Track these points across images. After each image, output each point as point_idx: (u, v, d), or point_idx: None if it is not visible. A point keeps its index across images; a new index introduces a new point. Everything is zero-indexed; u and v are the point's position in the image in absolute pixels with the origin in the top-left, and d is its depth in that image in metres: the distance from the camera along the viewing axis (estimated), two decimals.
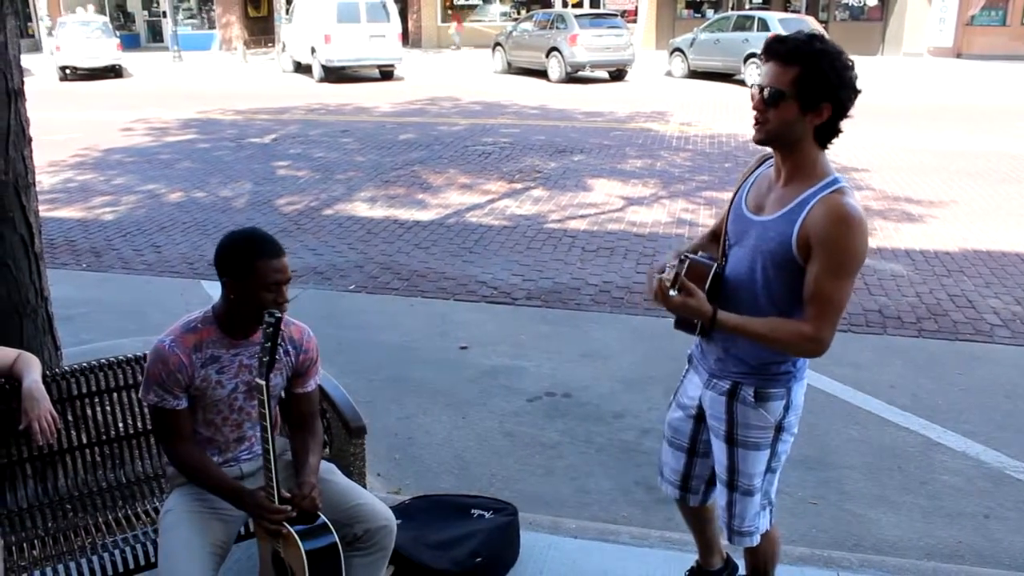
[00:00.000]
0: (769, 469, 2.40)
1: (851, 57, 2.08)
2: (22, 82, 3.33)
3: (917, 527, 3.57)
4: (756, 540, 2.49)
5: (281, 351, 2.51)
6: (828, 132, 2.10)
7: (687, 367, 2.56)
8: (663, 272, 2.26)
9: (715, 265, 2.27)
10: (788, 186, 2.16)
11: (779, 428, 2.33)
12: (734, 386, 2.32)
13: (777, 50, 2.07)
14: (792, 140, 2.11)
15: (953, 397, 4.69)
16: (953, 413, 4.49)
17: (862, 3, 28.01)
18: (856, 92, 2.07)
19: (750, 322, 2.18)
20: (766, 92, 2.08)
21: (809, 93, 2.04)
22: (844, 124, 2.13)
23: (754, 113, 2.13)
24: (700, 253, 2.37)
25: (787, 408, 2.31)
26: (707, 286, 2.22)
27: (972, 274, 6.64)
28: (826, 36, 2.13)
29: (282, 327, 2.51)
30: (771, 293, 2.19)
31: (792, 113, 2.06)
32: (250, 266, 2.35)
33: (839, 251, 2.06)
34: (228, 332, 2.45)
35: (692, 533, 2.86)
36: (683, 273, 2.19)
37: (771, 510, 2.52)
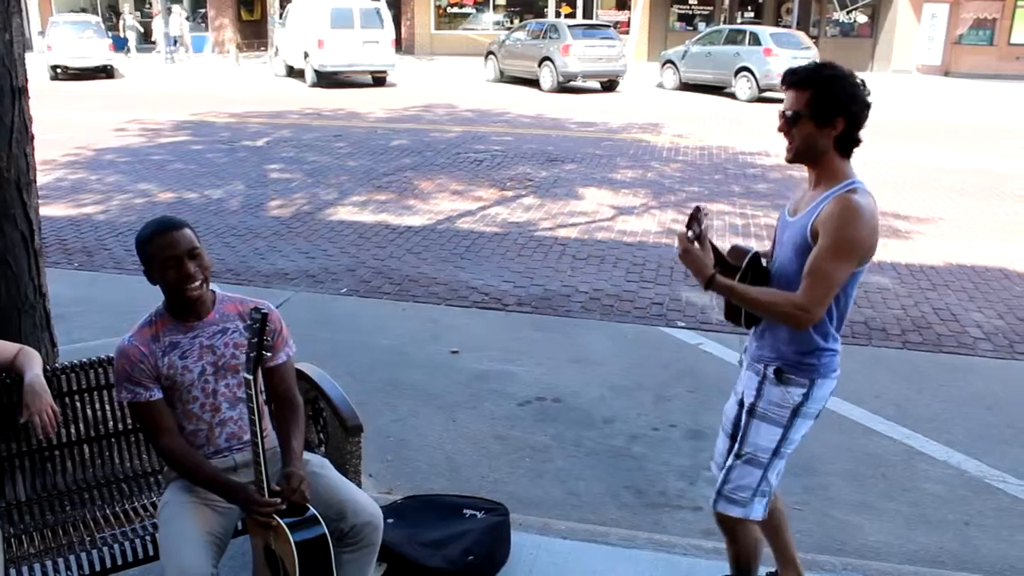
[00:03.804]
0: (776, 452, 2.55)
1: (859, 76, 2.38)
2: (26, 80, 3.37)
3: (899, 533, 3.65)
4: (739, 513, 2.61)
5: (242, 327, 2.57)
6: (848, 142, 2.39)
7: (744, 358, 2.76)
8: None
9: (753, 251, 2.55)
10: (815, 190, 2.46)
11: (795, 412, 2.52)
12: (765, 367, 2.55)
13: (792, 79, 2.40)
14: (816, 153, 2.41)
15: (936, 408, 4.77)
16: (936, 423, 4.58)
17: (852, 20, 28.30)
18: (867, 105, 2.38)
19: (746, 287, 2.46)
20: (787, 115, 2.40)
21: (822, 111, 2.35)
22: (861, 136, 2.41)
23: (783, 136, 2.43)
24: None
25: (807, 396, 2.51)
26: (743, 266, 2.51)
27: (956, 288, 6.75)
28: (835, 63, 2.42)
29: (239, 306, 2.61)
30: (796, 280, 2.41)
31: (810, 129, 2.38)
32: (146, 252, 2.47)
33: (839, 234, 2.31)
34: (179, 317, 2.54)
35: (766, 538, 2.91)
36: (727, 253, 2.54)
37: (766, 502, 2.63)
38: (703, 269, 2.44)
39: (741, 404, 2.67)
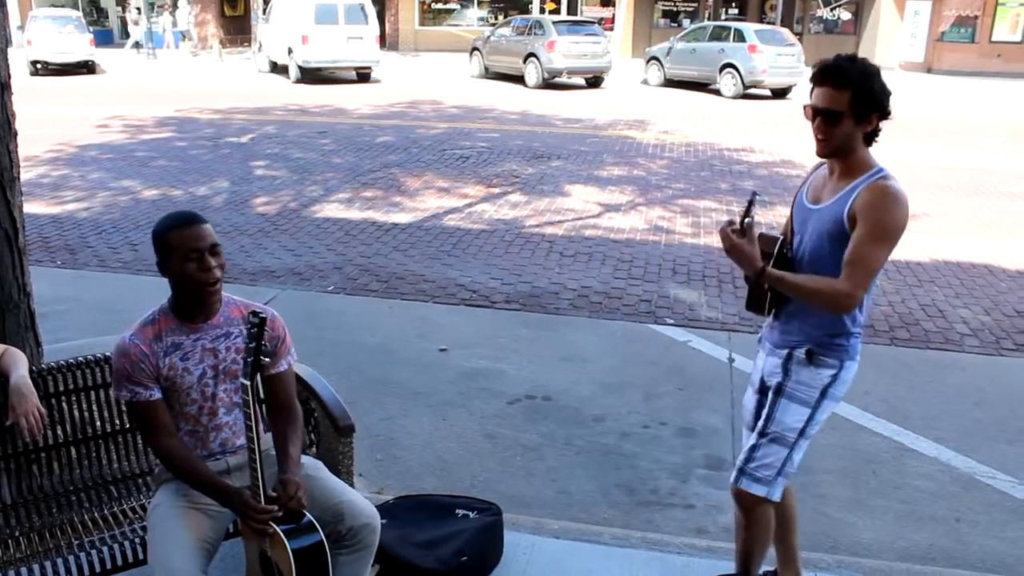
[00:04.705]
0: (803, 433, 2.57)
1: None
2: (9, 75, 3.32)
3: (891, 530, 3.65)
4: (761, 491, 2.60)
5: (245, 332, 2.53)
6: (873, 133, 2.45)
7: (758, 349, 2.78)
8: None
9: (782, 238, 2.61)
10: (842, 179, 2.48)
11: (824, 392, 2.55)
12: (792, 350, 2.58)
13: (829, 77, 2.39)
14: (850, 148, 2.44)
15: (925, 404, 4.79)
16: (925, 420, 4.59)
17: (836, 17, 28.42)
18: (890, 95, 2.41)
19: (793, 276, 2.49)
20: (828, 114, 2.39)
21: (862, 109, 2.38)
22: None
23: (816, 133, 2.44)
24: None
25: (835, 378, 2.54)
26: (774, 253, 2.55)
27: (942, 284, 6.78)
28: (856, 56, 2.43)
29: (243, 311, 2.56)
30: (830, 266, 2.46)
31: (850, 128, 2.40)
32: (166, 242, 2.40)
33: (878, 218, 2.36)
34: (184, 318, 2.49)
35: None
36: (755, 239, 2.50)
37: (784, 484, 2.63)
38: (753, 262, 2.45)
39: (761, 391, 2.68)
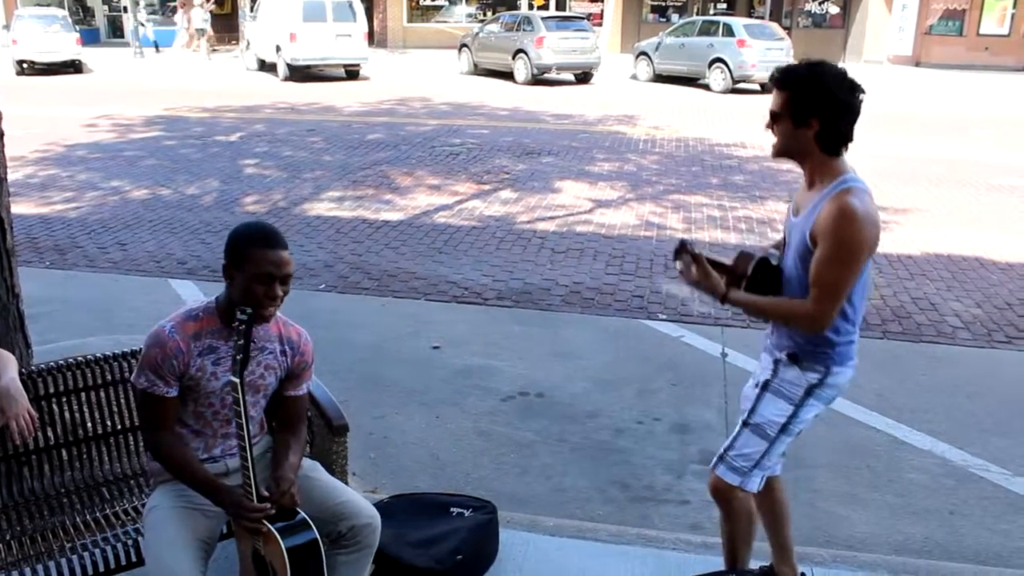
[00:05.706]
0: (785, 429, 2.59)
1: (851, 77, 2.37)
2: None
3: (886, 523, 3.66)
4: (735, 480, 2.63)
5: (279, 350, 2.52)
6: (830, 141, 2.39)
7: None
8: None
9: (758, 257, 2.60)
10: (812, 190, 2.49)
11: (809, 391, 2.55)
12: (780, 352, 2.60)
13: (775, 79, 2.44)
14: (799, 151, 2.45)
15: (918, 397, 4.80)
16: (918, 413, 4.60)
17: (824, 11, 28.47)
18: (846, 106, 2.36)
19: (759, 299, 2.53)
20: (771, 115, 2.45)
21: (798, 112, 2.38)
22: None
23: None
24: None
25: (822, 381, 2.53)
26: (751, 269, 2.56)
27: (934, 277, 6.80)
28: (825, 62, 2.41)
29: (280, 327, 2.54)
30: (799, 283, 2.47)
31: (788, 129, 2.41)
32: (244, 253, 2.36)
33: (837, 240, 2.33)
34: (228, 323, 2.44)
35: (765, 529, 2.94)
36: (733, 261, 2.60)
37: (764, 476, 2.66)
38: (715, 290, 2.54)
39: (758, 386, 2.71)
